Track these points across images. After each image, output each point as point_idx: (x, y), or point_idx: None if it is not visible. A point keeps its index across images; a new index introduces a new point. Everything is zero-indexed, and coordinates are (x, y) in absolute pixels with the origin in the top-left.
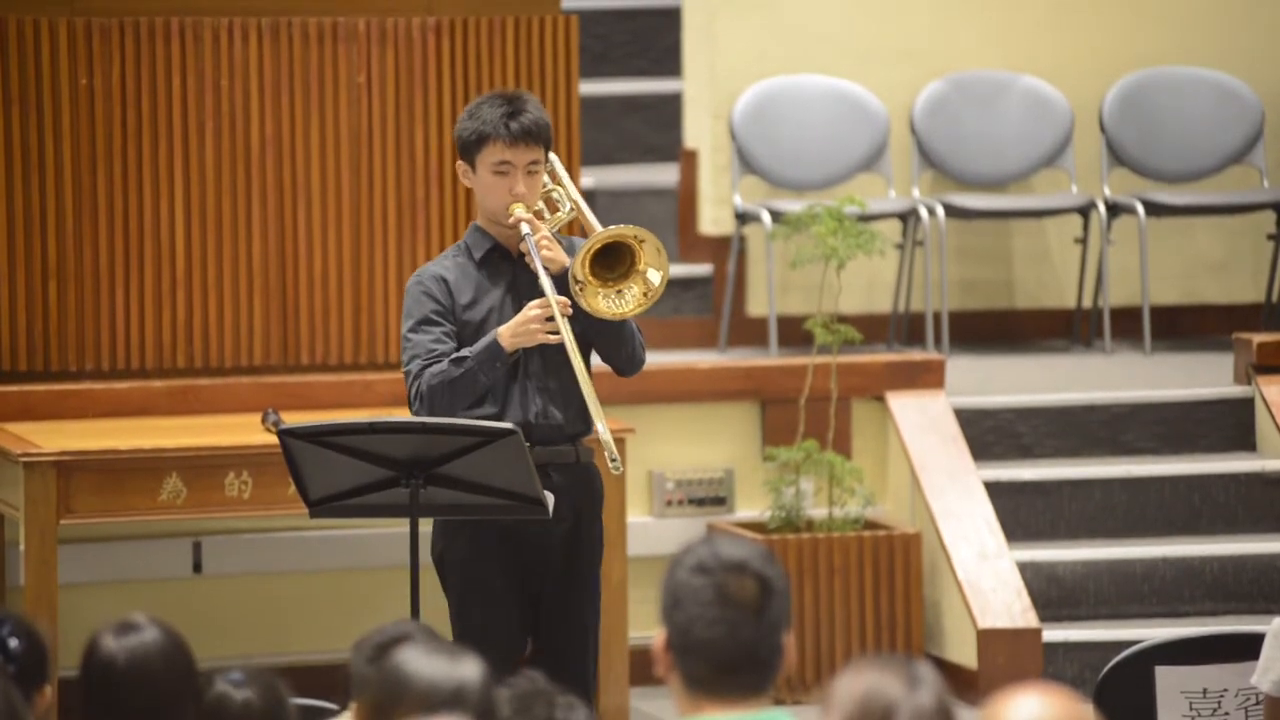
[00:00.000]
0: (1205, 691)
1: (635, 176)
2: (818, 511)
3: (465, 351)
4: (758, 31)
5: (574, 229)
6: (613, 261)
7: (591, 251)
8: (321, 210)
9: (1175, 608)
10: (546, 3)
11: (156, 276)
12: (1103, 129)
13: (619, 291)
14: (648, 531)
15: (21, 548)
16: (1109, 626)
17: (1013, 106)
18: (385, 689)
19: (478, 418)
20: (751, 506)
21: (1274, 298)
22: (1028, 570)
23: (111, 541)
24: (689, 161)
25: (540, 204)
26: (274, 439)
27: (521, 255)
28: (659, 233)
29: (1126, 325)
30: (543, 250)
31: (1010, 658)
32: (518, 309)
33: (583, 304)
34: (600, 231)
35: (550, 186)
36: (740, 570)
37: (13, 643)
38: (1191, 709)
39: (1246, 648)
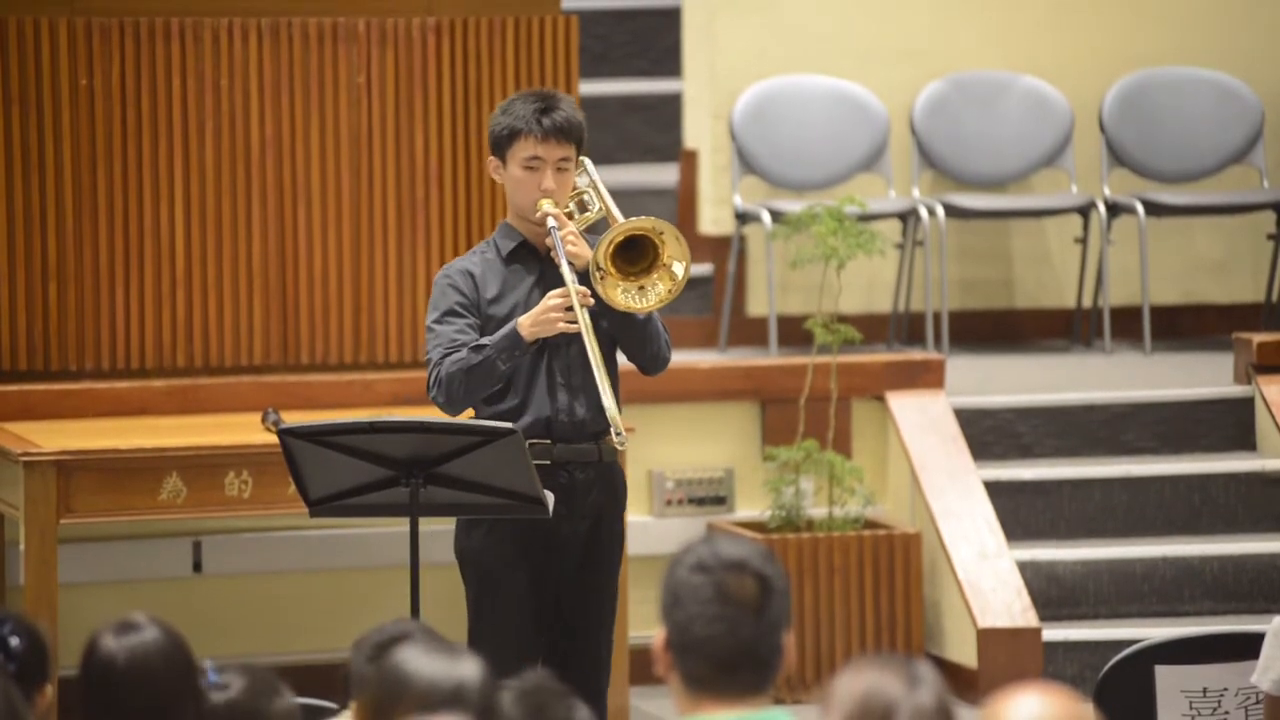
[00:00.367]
0: (1205, 691)
1: (635, 177)
2: (818, 511)
3: (485, 340)
4: (758, 31)
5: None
6: (635, 255)
7: (614, 243)
8: (321, 210)
9: (1175, 607)
10: (546, 3)
11: (156, 276)
12: (1103, 129)
13: (641, 287)
14: (648, 531)
15: (21, 547)
16: (1109, 626)
17: (1013, 106)
18: (385, 688)
19: (500, 414)
20: (751, 506)
21: (1274, 298)
22: (1028, 570)
23: (111, 541)
24: (689, 162)
25: (571, 205)
26: (274, 438)
27: (548, 252)
28: None
29: (1126, 325)
30: (568, 245)
31: (1010, 657)
32: None
33: (601, 293)
34: (620, 223)
35: (582, 188)
36: (740, 569)
37: (13, 642)
38: (1191, 708)
39: (1246, 647)
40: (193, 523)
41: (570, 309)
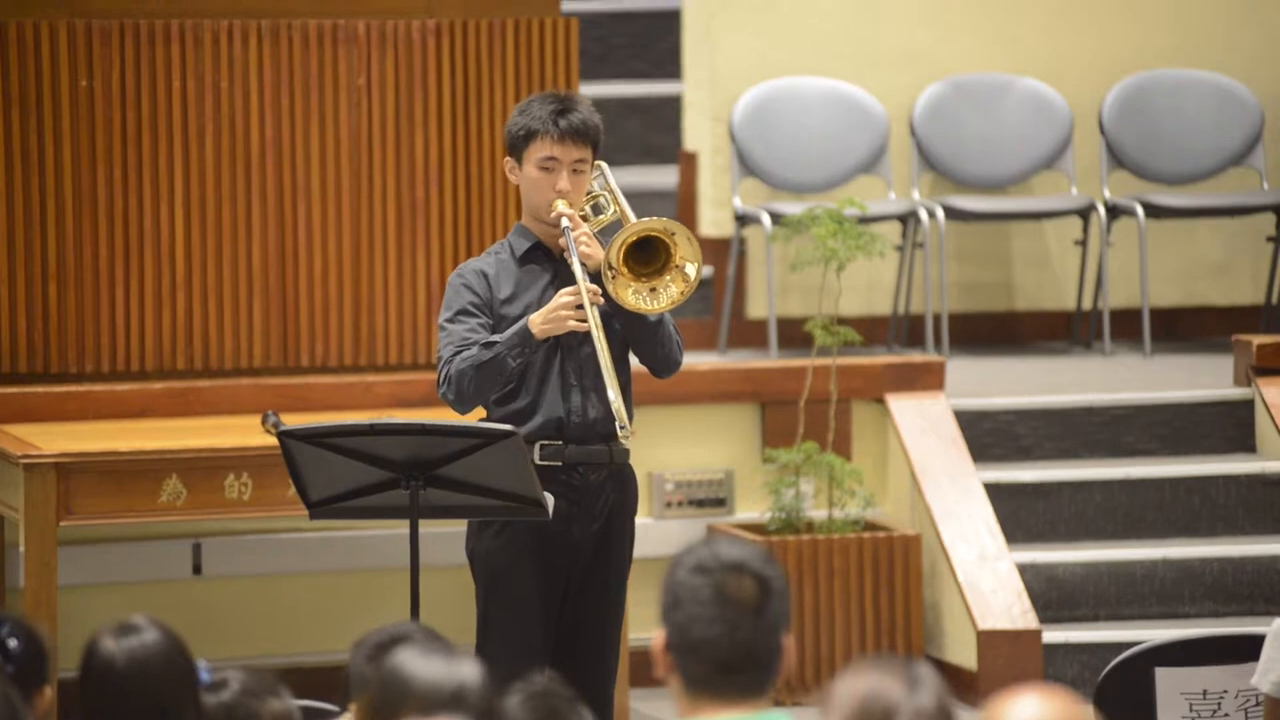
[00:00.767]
0: (1205, 693)
1: (635, 178)
2: (818, 513)
3: (496, 337)
4: (757, 34)
5: None
6: (647, 256)
7: (626, 244)
8: (321, 212)
9: (1175, 609)
10: (546, 5)
11: (156, 278)
12: (1102, 131)
13: (653, 289)
14: (648, 533)
15: (22, 549)
16: (1109, 628)
17: (1012, 109)
18: (384, 689)
19: (511, 414)
20: (751, 508)
21: (1274, 299)
22: (1028, 572)
23: (111, 543)
24: (689, 164)
25: (586, 208)
26: (274, 440)
27: (562, 253)
28: None
29: (1126, 327)
30: (581, 246)
31: (1010, 659)
32: None
33: (612, 293)
34: (633, 224)
35: (597, 192)
36: (739, 570)
37: (12, 643)
38: (1191, 710)
39: (1246, 649)
40: (193, 525)
41: (581, 307)
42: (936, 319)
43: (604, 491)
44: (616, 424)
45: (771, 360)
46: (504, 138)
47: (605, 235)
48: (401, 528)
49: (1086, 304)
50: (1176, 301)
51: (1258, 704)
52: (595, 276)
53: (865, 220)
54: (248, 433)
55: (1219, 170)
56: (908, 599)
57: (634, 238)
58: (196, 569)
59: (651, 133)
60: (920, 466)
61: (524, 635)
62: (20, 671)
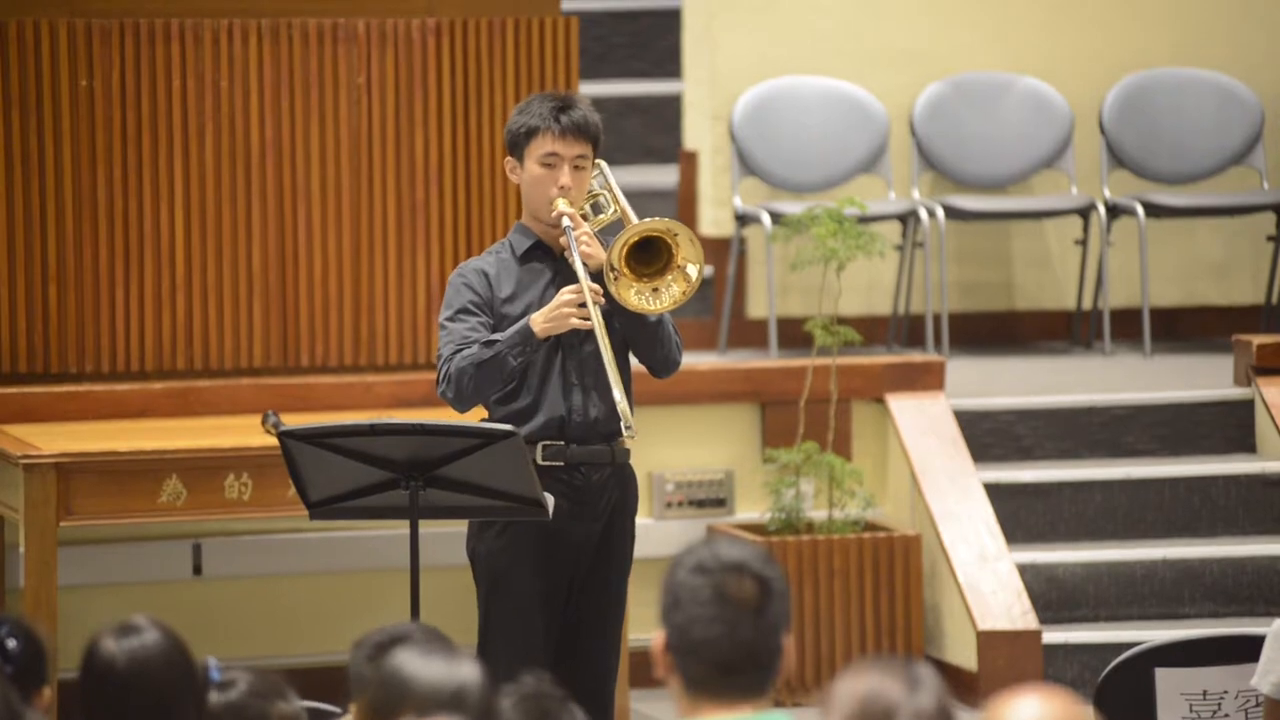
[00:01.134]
0: (1205, 693)
1: (635, 178)
2: (818, 513)
3: (497, 335)
4: (757, 33)
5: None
6: (649, 257)
7: (628, 244)
8: (321, 212)
9: (1175, 610)
10: (546, 4)
11: (156, 278)
12: (1103, 130)
13: (654, 289)
14: (648, 533)
15: (21, 550)
16: (1109, 628)
17: (1013, 108)
18: (384, 690)
19: (513, 414)
20: (751, 508)
21: (1274, 299)
22: (1028, 572)
23: (111, 543)
24: (689, 163)
25: (586, 207)
26: (274, 441)
27: (563, 252)
28: None
29: (1126, 327)
30: (581, 246)
31: (1010, 660)
32: None
33: (614, 293)
34: (635, 224)
35: (597, 191)
36: (739, 570)
37: (11, 644)
38: (1192, 711)
39: (1246, 650)
40: (193, 525)
41: (583, 305)
42: (936, 319)
43: (606, 491)
44: (622, 423)
45: (771, 360)
46: (504, 138)
47: (605, 234)
48: (402, 528)
49: (1087, 304)
50: (1176, 301)
51: (1258, 705)
52: (597, 276)
53: (865, 220)
54: (248, 433)
55: (1219, 170)
56: (908, 599)
57: (636, 238)
58: (197, 569)
59: (651, 132)
60: (920, 467)
61: (526, 636)
62: (20, 672)
